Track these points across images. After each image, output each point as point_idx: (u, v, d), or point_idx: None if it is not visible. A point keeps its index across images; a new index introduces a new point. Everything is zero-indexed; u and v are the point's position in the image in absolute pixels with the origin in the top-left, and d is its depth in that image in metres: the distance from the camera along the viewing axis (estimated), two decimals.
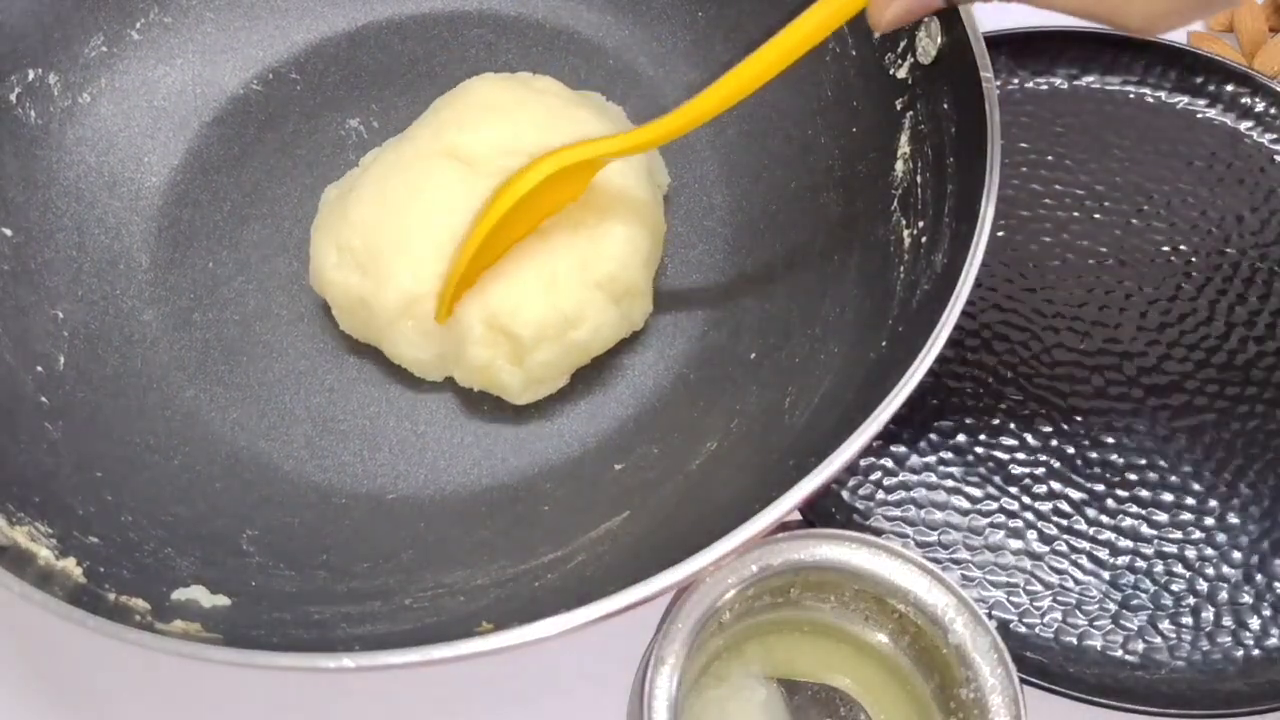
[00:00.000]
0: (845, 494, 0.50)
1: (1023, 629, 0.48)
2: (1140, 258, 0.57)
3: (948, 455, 0.51)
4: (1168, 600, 0.49)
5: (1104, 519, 0.50)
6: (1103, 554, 0.49)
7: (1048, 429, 0.52)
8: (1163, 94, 0.61)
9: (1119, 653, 0.47)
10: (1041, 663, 0.47)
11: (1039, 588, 0.49)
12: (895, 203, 0.48)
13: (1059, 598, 0.49)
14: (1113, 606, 0.48)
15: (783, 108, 0.54)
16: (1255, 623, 0.48)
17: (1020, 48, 0.61)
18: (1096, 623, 0.48)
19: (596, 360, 0.50)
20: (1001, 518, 0.50)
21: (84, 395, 0.48)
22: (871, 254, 0.48)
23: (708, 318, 0.52)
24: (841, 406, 0.42)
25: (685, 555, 0.36)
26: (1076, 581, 0.49)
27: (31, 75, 0.52)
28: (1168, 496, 0.51)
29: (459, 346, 0.48)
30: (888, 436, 0.52)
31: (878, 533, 0.49)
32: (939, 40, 0.46)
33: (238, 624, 0.39)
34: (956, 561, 0.49)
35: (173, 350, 0.51)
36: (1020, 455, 0.51)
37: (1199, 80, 0.61)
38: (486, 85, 0.52)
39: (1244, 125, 0.60)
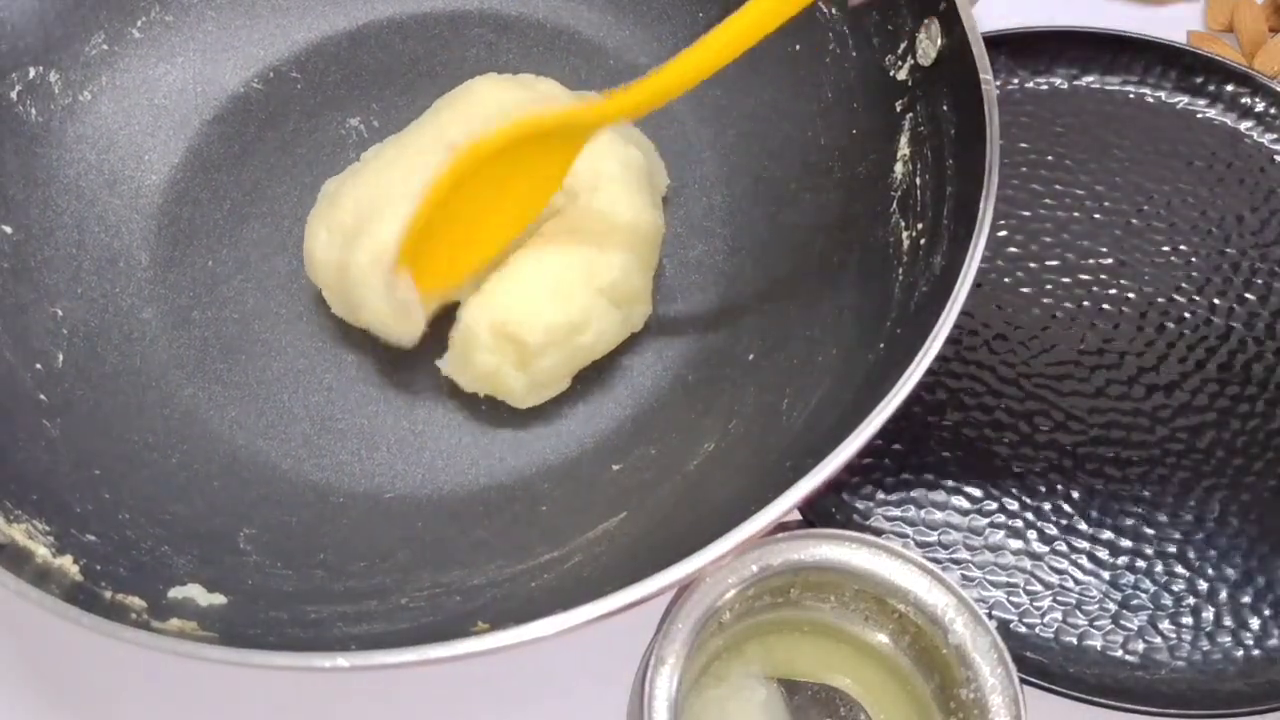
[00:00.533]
0: (845, 494, 0.50)
1: (1023, 629, 0.48)
2: (1140, 258, 0.57)
3: (948, 455, 0.51)
4: (1168, 600, 0.48)
5: (1104, 519, 0.50)
6: (1103, 554, 0.49)
7: (1048, 429, 0.52)
8: (1163, 94, 0.61)
9: (1119, 653, 0.47)
10: (1041, 663, 0.46)
11: (1039, 588, 0.49)
12: (895, 204, 0.48)
13: (1059, 598, 0.48)
14: (1113, 606, 0.48)
15: (783, 109, 0.54)
16: (1255, 623, 0.48)
17: (1020, 48, 0.61)
18: (1096, 623, 0.48)
19: (595, 362, 0.50)
20: (1001, 518, 0.50)
21: (83, 393, 0.47)
22: (870, 255, 0.48)
23: (706, 319, 0.52)
24: (839, 408, 0.42)
25: (682, 556, 0.35)
26: (1076, 581, 0.49)
27: (32, 73, 0.52)
28: (1168, 497, 0.51)
29: (465, 353, 0.48)
30: (888, 436, 0.51)
31: (878, 533, 0.49)
32: (939, 42, 0.46)
33: (234, 623, 0.39)
34: (956, 561, 0.49)
35: (172, 348, 0.51)
36: (1020, 455, 0.51)
37: (1199, 80, 0.61)
38: (488, 86, 0.52)
39: (1244, 125, 0.60)
